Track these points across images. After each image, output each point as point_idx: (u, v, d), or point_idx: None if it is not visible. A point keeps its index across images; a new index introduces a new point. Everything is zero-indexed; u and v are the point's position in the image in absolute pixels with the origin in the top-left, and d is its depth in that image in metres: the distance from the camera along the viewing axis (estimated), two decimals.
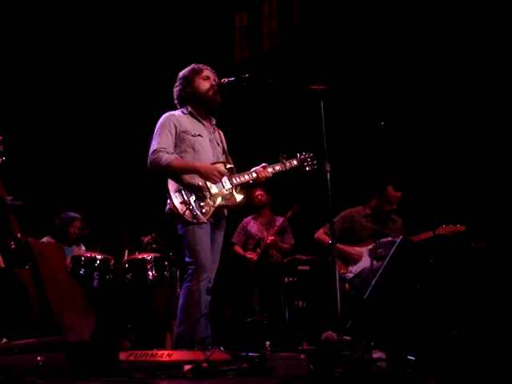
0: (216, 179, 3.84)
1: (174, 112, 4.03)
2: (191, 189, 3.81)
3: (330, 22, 7.36)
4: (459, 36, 6.07)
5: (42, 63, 7.43)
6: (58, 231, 5.78)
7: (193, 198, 3.79)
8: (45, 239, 5.69)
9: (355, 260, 5.02)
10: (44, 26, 7.41)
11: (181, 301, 3.81)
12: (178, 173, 3.82)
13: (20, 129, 7.10)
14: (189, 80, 4.03)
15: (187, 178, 3.82)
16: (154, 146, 3.87)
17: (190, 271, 3.80)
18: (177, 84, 4.08)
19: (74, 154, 7.80)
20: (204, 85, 3.99)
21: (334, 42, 7.13)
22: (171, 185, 3.80)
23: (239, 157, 4.42)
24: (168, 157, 3.81)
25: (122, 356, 2.82)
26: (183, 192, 3.79)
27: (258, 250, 6.27)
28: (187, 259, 3.82)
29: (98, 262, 5.01)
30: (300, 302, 5.53)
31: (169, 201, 3.82)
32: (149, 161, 3.84)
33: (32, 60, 7.33)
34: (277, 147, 6.72)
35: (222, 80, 3.94)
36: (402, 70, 6.37)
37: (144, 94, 7.74)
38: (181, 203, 3.76)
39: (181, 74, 4.09)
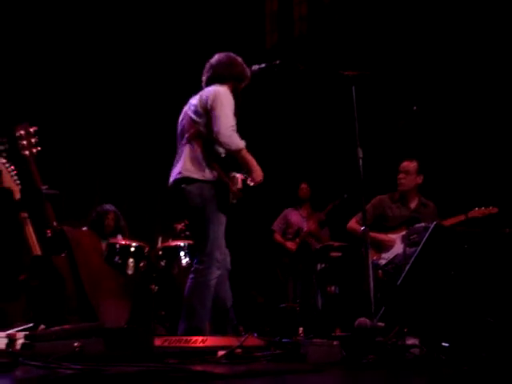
0: (257, 183, 3.83)
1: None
2: (233, 180, 3.83)
3: (360, 5, 7.27)
4: (494, 19, 5.93)
5: (74, 54, 7.51)
6: (94, 224, 5.87)
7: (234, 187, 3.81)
8: (84, 229, 5.80)
9: (388, 247, 4.98)
10: (75, 15, 7.48)
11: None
12: (241, 161, 3.79)
13: (55, 119, 7.20)
14: (240, 73, 4.01)
15: (234, 168, 3.83)
16: (229, 120, 3.73)
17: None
18: (226, 62, 4.00)
19: (108, 142, 7.89)
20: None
21: (364, 26, 7.04)
22: (218, 165, 3.78)
23: (269, 145, 4.43)
24: (240, 141, 3.76)
25: (157, 342, 2.86)
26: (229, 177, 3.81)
27: (297, 239, 6.34)
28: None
29: (133, 249, 5.08)
30: (333, 288, 5.53)
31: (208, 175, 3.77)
32: (227, 133, 3.68)
33: (64, 51, 7.41)
34: (308, 133, 6.71)
35: (253, 67, 3.91)
36: (436, 53, 6.27)
37: (176, 82, 7.77)
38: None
39: (238, 59, 4.04)
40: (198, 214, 3.74)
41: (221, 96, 3.79)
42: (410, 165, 5.11)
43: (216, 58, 4.05)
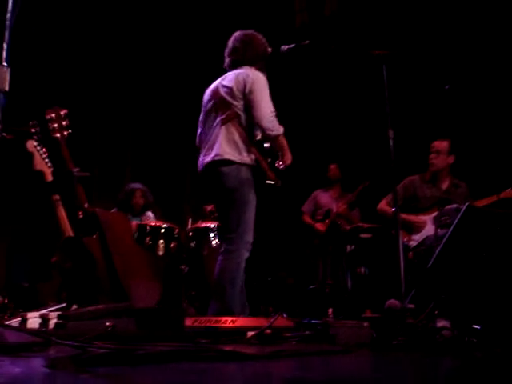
0: (286, 166, 3.94)
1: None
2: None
3: None
4: None
5: (105, 37, 7.54)
6: (122, 204, 5.92)
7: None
8: (113, 211, 5.86)
9: (418, 228, 4.93)
10: None
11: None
12: (278, 146, 3.88)
13: (86, 102, 7.27)
14: (265, 52, 4.06)
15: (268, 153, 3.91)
16: (270, 105, 3.79)
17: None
18: (252, 43, 4.01)
19: (138, 124, 7.94)
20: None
21: (396, 3, 6.92)
22: (256, 149, 3.84)
23: (300, 126, 4.41)
24: (280, 127, 3.83)
25: (187, 322, 2.89)
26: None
27: (327, 220, 6.31)
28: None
29: (163, 230, 5.12)
30: (362, 269, 5.51)
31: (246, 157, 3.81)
32: (269, 119, 3.74)
33: (93, 33, 7.44)
34: (338, 114, 6.65)
35: (282, 47, 3.87)
36: (469, 30, 6.14)
37: (206, 61, 7.75)
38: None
39: (259, 36, 4.06)
40: (233, 196, 3.75)
41: (259, 80, 3.83)
42: (441, 144, 5.04)
43: (239, 38, 4.04)
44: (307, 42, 3.68)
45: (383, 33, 6.56)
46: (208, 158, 3.85)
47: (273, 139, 3.84)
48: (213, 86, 4.06)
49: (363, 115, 6.72)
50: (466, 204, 3.38)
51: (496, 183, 5.05)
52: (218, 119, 3.87)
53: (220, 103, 3.90)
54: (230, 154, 3.77)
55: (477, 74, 5.98)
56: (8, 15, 2.54)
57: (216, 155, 3.79)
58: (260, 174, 3.82)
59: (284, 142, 3.88)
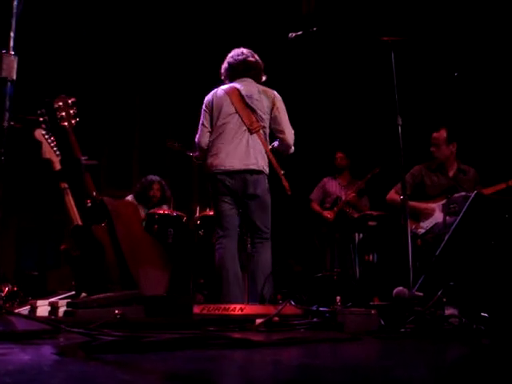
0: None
1: None
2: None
3: None
4: None
5: (113, 25, 7.52)
6: (139, 195, 5.94)
7: None
8: (129, 197, 5.88)
9: (427, 215, 4.92)
10: None
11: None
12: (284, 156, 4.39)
13: (94, 90, 7.27)
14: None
15: None
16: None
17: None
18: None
19: (145, 113, 7.94)
20: None
21: None
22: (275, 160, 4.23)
23: (307, 113, 4.41)
24: None
25: (196, 310, 2.90)
26: None
27: (335, 208, 6.30)
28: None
29: (172, 218, 5.14)
30: (371, 257, 5.51)
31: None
32: (293, 138, 4.24)
33: (106, 24, 7.43)
34: (347, 101, 6.62)
35: (290, 34, 3.86)
36: (478, 16, 6.08)
37: (214, 53, 7.72)
38: None
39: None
40: (264, 201, 4.13)
41: (281, 100, 4.24)
42: (439, 136, 5.01)
43: (254, 56, 4.31)
44: (315, 28, 3.66)
45: (392, 19, 6.51)
46: (242, 165, 4.06)
47: (287, 153, 4.30)
48: (229, 90, 4.18)
49: (372, 102, 6.68)
50: (475, 192, 3.37)
51: (505, 170, 5.02)
52: (245, 128, 4.10)
53: (247, 112, 4.12)
54: (261, 165, 4.10)
55: (486, 59, 5.93)
56: (15, 3, 2.53)
57: (253, 164, 4.07)
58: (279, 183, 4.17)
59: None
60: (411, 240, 3.39)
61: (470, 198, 3.17)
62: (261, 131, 4.13)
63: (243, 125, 4.10)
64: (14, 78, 2.50)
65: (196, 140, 4.26)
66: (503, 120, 5.74)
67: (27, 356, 1.61)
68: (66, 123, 3.94)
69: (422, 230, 4.87)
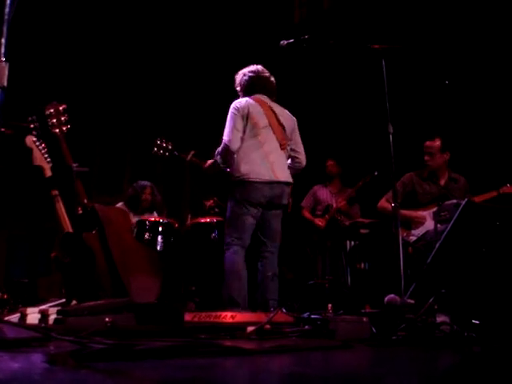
0: None
1: None
2: None
3: None
4: None
5: (104, 32, 7.52)
6: (131, 200, 5.93)
7: None
8: (119, 204, 5.86)
9: (418, 223, 4.93)
10: None
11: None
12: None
13: (85, 97, 7.25)
14: None
15: None
16: None
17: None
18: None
19: (136, 120, 7.93)
20: None
21: None
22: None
23: (300, 120, 4.44)
24: None
25: (187, 317, 2.89)
26: None
27: (327, 216, 6.30)
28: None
29: (162, 226, 5.12)
30: (362, 264, 5.51)
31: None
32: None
33: (97, 30, 7.43)
34: (338, 109, 6.64)
35: (281, 42, 3.88)
36: (469, 25, 6.12)
37: (208, 60, 7.73)
38: None
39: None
40: (282, 212, 4.37)
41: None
42: (433, 144, 5.04)
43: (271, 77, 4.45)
44: (306, 36, 3.68)
45: (382, 27, 6.54)
46: (282, 178, 4.22)
47: (297, 172, 4.46)
48: (262, 103, 4.28)
49: (363, 110, 6.70)
50: (466, 199, 3.38)
51: (496, 178, 5.05)
52: (277, 143, 4.26)
53: (280, 130, 4.29)
54: (291, 178, 4.33)
55: (477, 68, 5.96)
56: (6, 10, 2.53)
57: (288, 177, 4.29)
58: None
59: None
60: (402, 248, 3.39)
61: (461, 206, 3.18)
62: (287, 148, 4.33)
63: (275, 140, 4.24)
64: (5, 84, 2.49)
65: (226, 143, 4.13)
66: (494, 128, 5.77)
67: (17, 364, 1.60)
68: (57, 130, 3.92)
69: (413, 238, 4.89)
